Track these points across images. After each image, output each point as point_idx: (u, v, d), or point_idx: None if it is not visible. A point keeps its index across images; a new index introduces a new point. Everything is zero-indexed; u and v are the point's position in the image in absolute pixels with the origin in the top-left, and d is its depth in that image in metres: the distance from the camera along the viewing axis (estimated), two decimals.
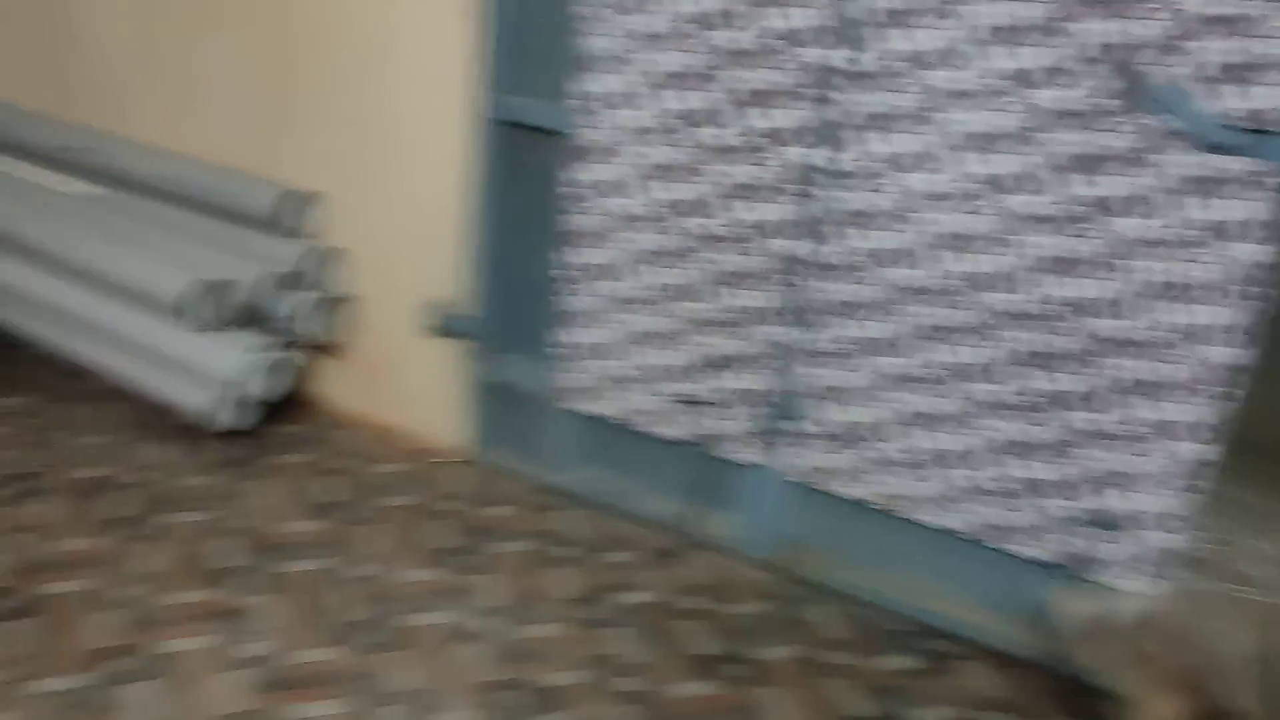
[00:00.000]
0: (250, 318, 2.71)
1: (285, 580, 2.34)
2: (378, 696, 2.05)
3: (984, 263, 2.09)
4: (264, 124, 2.82)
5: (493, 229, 2.61)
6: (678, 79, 2.24)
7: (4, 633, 2.10)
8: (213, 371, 2.62)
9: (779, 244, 2.26)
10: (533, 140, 2.49)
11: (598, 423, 2.65)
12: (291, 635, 2.18)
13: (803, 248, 2.24)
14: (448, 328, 2.75)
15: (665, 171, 2.32)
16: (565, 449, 2.72)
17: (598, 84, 2.32)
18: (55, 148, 2.93)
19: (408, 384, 2.89)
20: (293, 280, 2.69)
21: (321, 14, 2.66)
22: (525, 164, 2.53)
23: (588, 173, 2.41)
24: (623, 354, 2.52)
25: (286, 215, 2.69)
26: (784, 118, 2.17)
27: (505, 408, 2.78)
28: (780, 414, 2.40)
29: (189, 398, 2.66)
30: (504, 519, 2.65)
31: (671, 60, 2.23)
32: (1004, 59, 1.97)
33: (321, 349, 2.91)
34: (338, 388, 2.98)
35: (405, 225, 2.74)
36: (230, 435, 2.79)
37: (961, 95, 2.02)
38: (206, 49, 2.83)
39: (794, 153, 2.19)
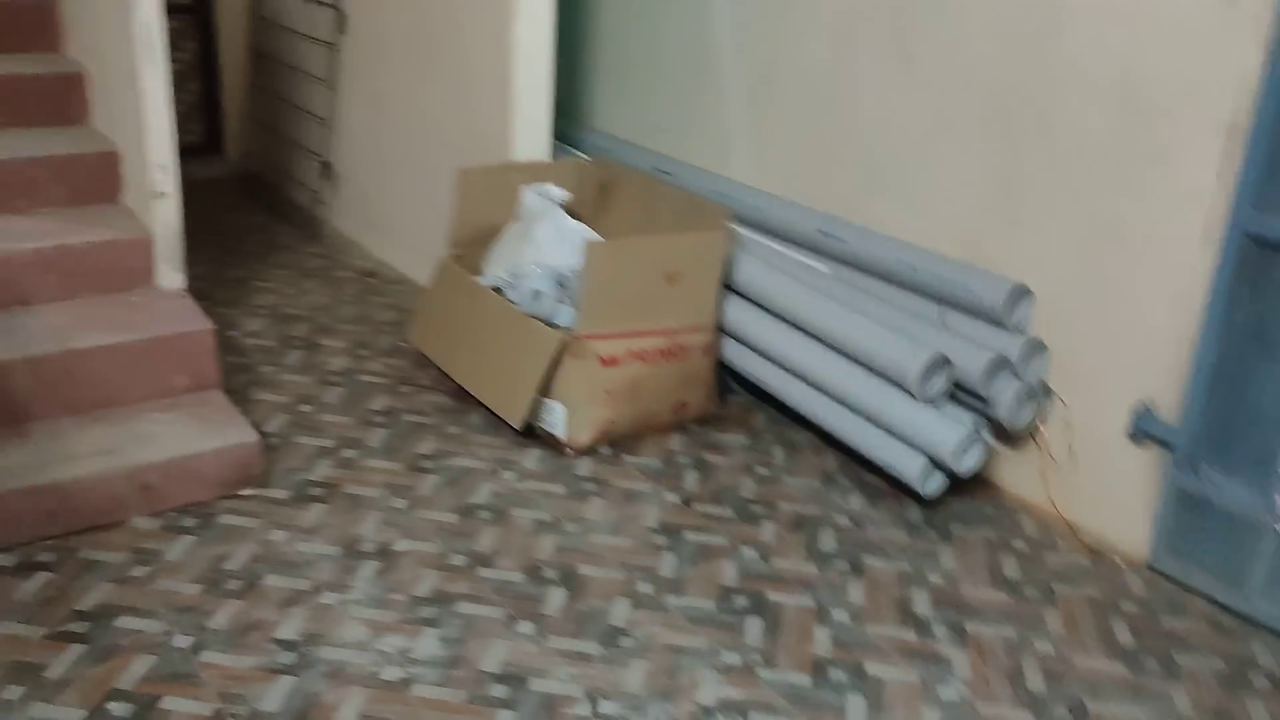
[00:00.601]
0: (963, 397, 2.97)
1: (972, 639, 2.52)
2: None
3: None
4: (988, 221, 3.08)
5: (1219, 342, 2.61)
6: None
7: (740, 624, 2.52)
8: (925, 441, 2.90)
9: None
10: None
11: None
12: (980, 690, 2.35)
13: None
14: (1147, 432, 2.78)
15: None
16: (1267, 576, 2.62)
17: None
18: (806, 231, 3.44)
19: (1093, 481, 2.95)
20: (1004, 368, 2.90)
21: (1055, 124, 2.87)
22: (1272, 282, 2.51)
23: None
24: None
25: (1006, 308, 2.91)
26: None
27: (1198, 522, 2.73)
28: None
29: (896, 460, 2.97)
30: (1188, 632, 2.61)
31: None
32: None
33: (1012, 435, 3.08)
34: (1019, 474, 3.13)
35: (1117, 327, 2.83)
36: (921, 500, 3.06)
37: None
38: (944, 151, 3.17)
39: None
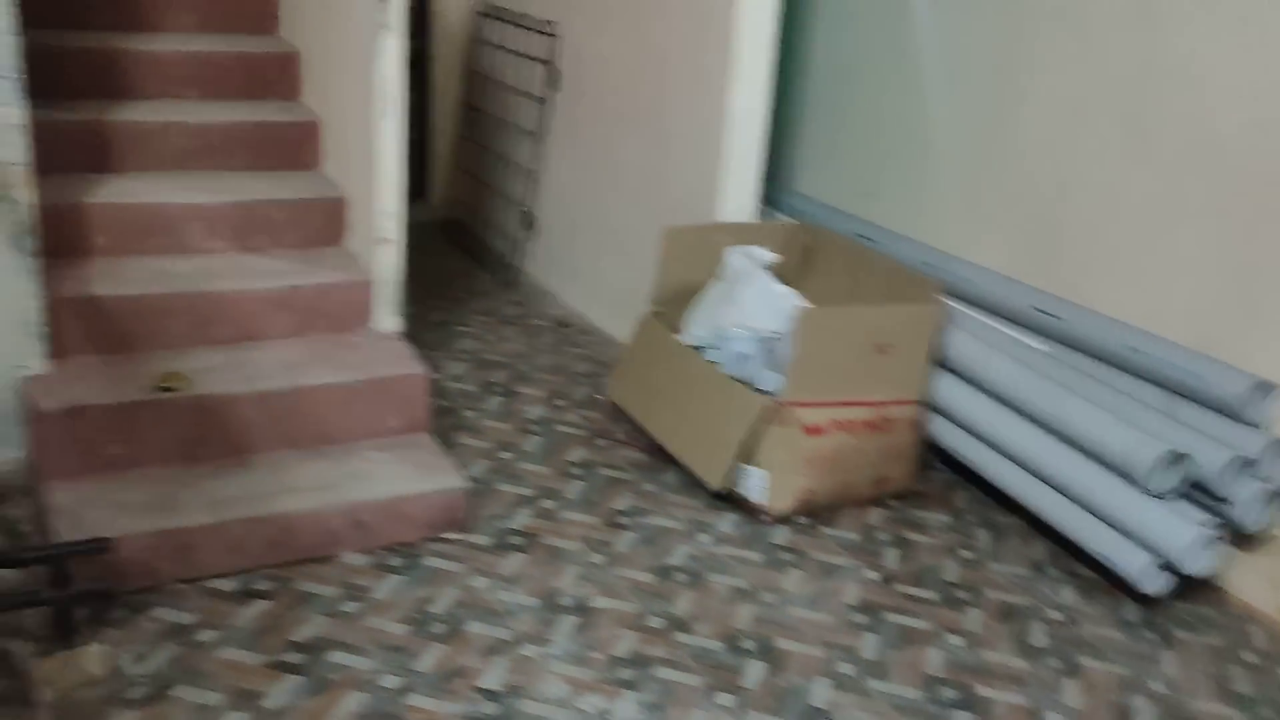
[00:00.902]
0: (1196, 495, 2.79)
1: None
2: None
3: None
4: (1224, 309, 2.90)
5: None
6: None
7: (948, 718, 2.40)
8: (1151, 536, 2.73)
9: None
10: None
11: None
12: None
13: None
14: None
15: None
16: None
17: None
18: (1020, 307, 3.32)
19: None
20: (1245, 467, 2.71)
21: None
22: None
23: None
24: None
25: (1246, 402, 2.74)
26: None
27: None
28: None
29: (1116, 553, 2.80)
30: None
31: None
32: None
33: (1246, 539, 2.88)
34: (1249, 579, 2.92)
35: None
36: (1137, 597, 2.88)
37: None
38: (1176, 233, 3.02)
39: None
